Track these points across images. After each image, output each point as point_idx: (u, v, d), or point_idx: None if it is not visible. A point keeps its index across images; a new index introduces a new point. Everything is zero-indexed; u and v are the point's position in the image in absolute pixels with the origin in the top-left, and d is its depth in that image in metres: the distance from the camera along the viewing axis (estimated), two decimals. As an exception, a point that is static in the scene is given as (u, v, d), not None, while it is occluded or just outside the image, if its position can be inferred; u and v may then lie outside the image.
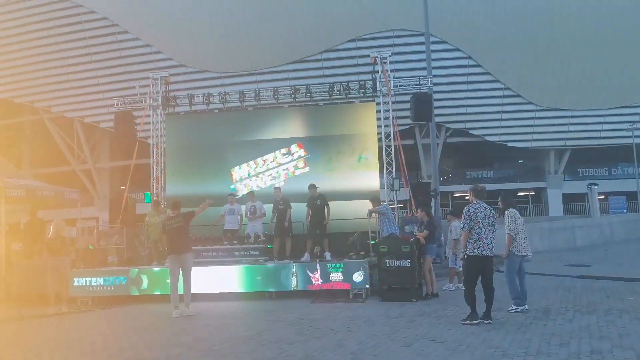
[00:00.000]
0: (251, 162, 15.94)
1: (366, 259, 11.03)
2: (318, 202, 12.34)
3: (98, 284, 11.13)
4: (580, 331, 6.69)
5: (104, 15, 25.94)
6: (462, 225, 7.65)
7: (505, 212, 8.38)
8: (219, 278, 10.95)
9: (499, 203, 8.73)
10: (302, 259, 11.74)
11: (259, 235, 12.42)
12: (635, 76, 25.41)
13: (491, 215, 7.65)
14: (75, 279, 11.12)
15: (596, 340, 6.18)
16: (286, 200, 12.73)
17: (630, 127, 26.07)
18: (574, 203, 29.67)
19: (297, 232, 12.90)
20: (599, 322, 7.21)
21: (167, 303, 9.92)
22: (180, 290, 9.50)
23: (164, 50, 25.79)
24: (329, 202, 12.48)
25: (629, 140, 26.75)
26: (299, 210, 12.83)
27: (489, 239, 7.51)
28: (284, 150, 15.83)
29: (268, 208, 12.95)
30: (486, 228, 7.50)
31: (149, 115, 16.87)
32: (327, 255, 11.83)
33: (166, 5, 24.71)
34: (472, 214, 7.54)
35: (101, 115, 27.09)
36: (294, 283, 10.76)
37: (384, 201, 13.86)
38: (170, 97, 17.01)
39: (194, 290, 9.74)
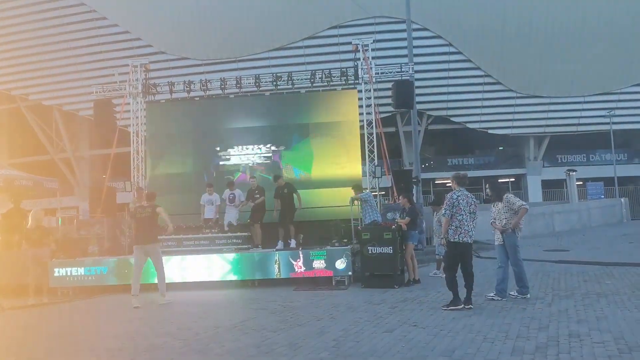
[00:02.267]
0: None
1: (348, 246, 11.09)
2: (285, 191, 12.40)
3: (79, 274, 11.03)
4: (559, 315, 6.82)
5: (81, 1, 25.46)
6: (443, 212, 7.72)
7: (507, 195, 8.40)
8: (201, 266, 10.93)
9: (487, 191, 8.77)
10: (276, 248, 11.77)
11: (232, 224, 12.46)
12: (613, 64, 25.73)
13: (473, 202, 7.72)
14: (56, 269, 11.01)
15: (574, 323, 6.30)
16: (261, 189, 12.77)
17: (608, 114, 26.44)
18: (553, 189, 30.08)
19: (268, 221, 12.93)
20: (577, 305, 7.36)
21: (149, 292, 9.92)
22: (153, 279, 9.54)
23: (143, 37, 25.41)
24: (298, 190, 12.59)
25: (607, 127, 27.15)
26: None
27: (469, 227, 7.59)
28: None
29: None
30: (467, 215, 7.58)
31: (128, 103, 16.65)
32: (292, 243, 11.89)
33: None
34: (454, 201, 7.60)
35: (80, 104, 26.66)
36: (276, 271, 10.78)
37: (366, 188, 13.90)
38: (150, 84, 16.79)
39: (176, 280, 9.74)
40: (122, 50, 25.08)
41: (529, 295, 8.14)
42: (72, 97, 27.05)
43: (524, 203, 8.27)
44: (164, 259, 9.97)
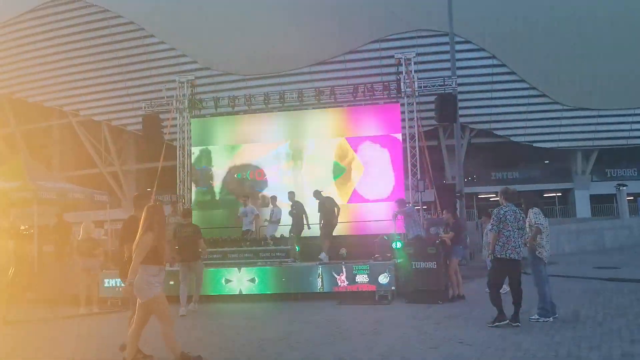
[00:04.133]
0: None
1: (392, 261, 11.03)
2: (326, 205, 12.42)
3: (128, 284, 11.31)
4: (611, 334, 6.62)
5: (130, 19, 26.34)
6: (490, 227, 7.59)
7: (531, 210, 8.14)
8: (245, 279, 11.06)
9: (522, 205, 8.47)
10: (319, 262, 11.77)
11: (273, 237, 12.62)
12: (665, 74, 24.89)
13: (521, 218, 7.59)
14: (106, 280, 11.34)
15: (627, 344, 6.12)
16: (299, 205, 12.84)
17: (660, 126, 25.57)
18: (602, 204, 29.15)
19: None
20: (630, 325, 7.12)
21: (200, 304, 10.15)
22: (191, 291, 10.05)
23: (188, 54, 26.08)
24: (337, 204, 12.59)
25: (659, 140, 26.25)
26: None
27: (517, 242, 7.45)
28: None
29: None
30: (515, 231, 7.44)
31: (175, 118, 17.11)
32: (322, 255, 11.80)
33: (189, 9, 24.97)
34: (501, 216, 7.49)
35: (128, 119, 27.53)
36: (319, 284, 10.81)
37: (409, 203, 13.84)
38: (196, 100, 17.23)
39: (219, 292, 10.00)
40: (168, 66, 25.78)
41: (551, 319, 7.58)
42: (121, 113, 27.93)
43: (539, 221, 7.82)
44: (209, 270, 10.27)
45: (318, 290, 10.83)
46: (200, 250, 10.13)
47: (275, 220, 13.16)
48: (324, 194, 12.74)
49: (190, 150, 16.80)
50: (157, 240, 5.47)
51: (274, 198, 13.92)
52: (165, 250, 5.67)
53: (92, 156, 31.29)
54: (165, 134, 17.42)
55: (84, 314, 10.20)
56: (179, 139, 16.95)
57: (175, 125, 17.13)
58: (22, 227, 15.74)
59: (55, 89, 28.78)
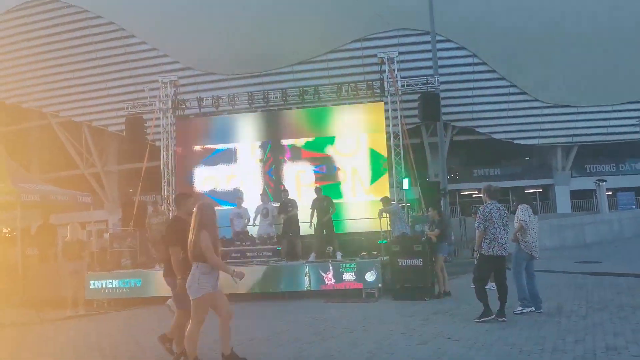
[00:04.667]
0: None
1: (378, 258, 11.13)
2: (324, 203, 12.48)
3: (114, 286, 11.28)
4: (594, 328, 6.77)
5: (110, 20, 26.08)
6: (477, 225, 7.70)
7: (519, 206, 8.35)
8: (231, 279, 11.04)
9: (514, 202, 8.71)
10: (309, 260, 11.84)
11: (271, 236, 12.58)
12: (642, 71, 25.36)
13: (505, 215, 7.72)
14: (92, 282, 11.27)
15: (610, 336, 6.26)
16: (294, 202, 12.91)
17: (637, 122, 25.98)
18: (582, 200, 29.61)
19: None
20: (612, 318, 7.29)
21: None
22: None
23: (170, 54, 25.91)
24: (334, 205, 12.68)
25: (636, 136, 26.65)
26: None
27: (503, 239, 7.58)
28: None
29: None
30: (501, 228, 7.57)
31: (158, 118, 17.02)
32: (339, 255, 11.93)
33: (170, 9, 24.78)
34: (487, 214, 7.60)
35: (109, 119, 27.24)
36: (306, 283, 10.86)
37: (394, 201, 13.95)
38: (179, 100, 17.16)
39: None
40: (150, 66, 25.58)
41: (532, 309, 7.96)
42: (102, 114, 27.63)
43: (523, 218, 8.09)
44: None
45: (305, 289, 10.88)
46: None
47: (270, 219, 13.14)
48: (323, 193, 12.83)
49: (175, 151, 16.72)
50: (211, 238, 5.53)
51: (264, 196, 13.89)
52: (218, 247, 5.72)
53: (72, 157, 30.93)
54: (149, 134, 17.31)
55: (71, 316, 10.13)
56: (163, 139, 16.86)
57: (159, 126, 17.03)
58: (4, 231, 15.54)
59: (34, 90, 28.37)
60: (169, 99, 16.86)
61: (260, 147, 16.58)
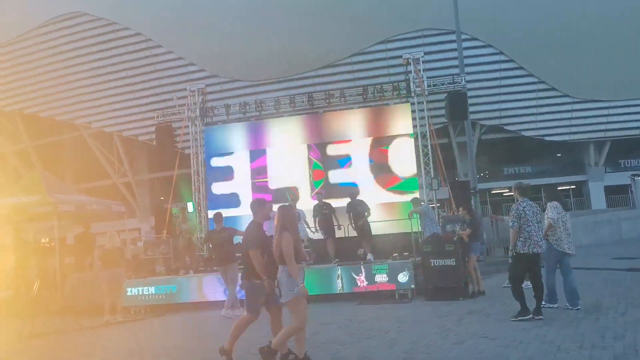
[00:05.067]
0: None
1: (410, 259, 11.09)
2: (359, 208, 12.50)
3: (150, 293, 11.49)
4: (635, 324, 6.65)
5: (138, 31, 26.61)
6: (511, 224, 7.60)
7: (548, 204, 8.30)
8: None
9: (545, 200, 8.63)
10: (367, 260, 11.80)
11: (303, 240, 12.65)
12: (676, 62, 24.72)
13: (538, 212, 7.63)
14: (128, 289, 11.50)
15: (652, 332, 6.14)
16: (329, 205, 12.96)
17: (672, 114, 25.38)
18: (617, 195, 28.94)
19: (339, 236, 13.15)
20: (653, 314, 7.14)
21: (217, 309, 10.24)
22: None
23: (196, 62, 26.29)
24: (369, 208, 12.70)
25: (672, 128, 26.07)
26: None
27: (538, 237, 7.49)
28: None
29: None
30: (535, 225, 7.48)
31: (187, 126, 17.28)
32: (370, 256, 11.93)
33: (195, 17, 25.17)
34: (520, 212, 7.51)
35: (139, 129, 27.73)
36: (339, 285, 10.89)
37: (424, 201, 13.89)
38: (207, 107, 17.40)
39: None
40: (177, 75, 25.97)
41: (556, 305, 8.09)
42: (132, 123, 28.15)
43: (552, 216, 8.04)
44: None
45: (338, 292, 10.91)
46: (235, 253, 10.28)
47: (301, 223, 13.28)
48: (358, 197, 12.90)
49: (204, 159, 16.95)
50: (294, 240, 5.61)
51: (293, 200, 14.02)
52: (300, 249, 5.82)
53: (104, 167, 31.57)
54: (178, 142, 17.58)
55: (109, 322, 10.33)
56: (192, 147, 17.11)
57: (188, 134, 17.29)
58: (43, 241, 15.97)
59: (66, 102, 29.07)
60: (197, 106, 17.11)
61: (287, 151, 16.65)
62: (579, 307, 7.86)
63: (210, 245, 11.27)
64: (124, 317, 10.79)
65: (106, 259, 10.54)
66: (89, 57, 27.68)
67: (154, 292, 11.48)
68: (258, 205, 6.40)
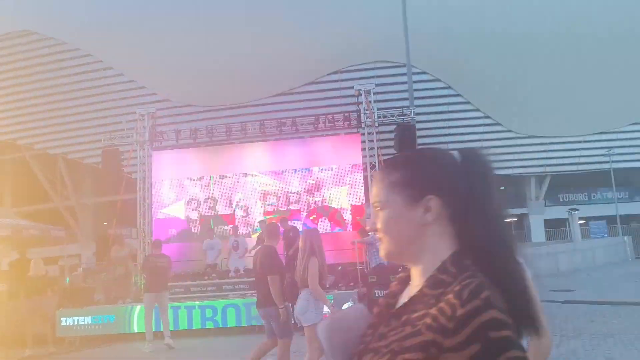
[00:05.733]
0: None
1: (355, 290, 11.11)
2: (290, 234, 12.41)
3: (86, 323, 11.04)
4: (568, 355, 6.85)
5: (87, 52, 26.17)
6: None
7: None
8: (207, 313, 10.94)
9: None
10: None
11: (239, 270, 12.55)
12: (612, 103, 26.13)
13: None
14: (63, 319, 11.02)
15: (584, 364, 6.34)
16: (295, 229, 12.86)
17: (607, 152, 26.72)
18: (556, 228, 30.04)
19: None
20: (585, 346, 7.38)
21: (156, 340, 9.93)
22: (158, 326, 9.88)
23: (147, 85, 25.98)
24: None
25: (607, 166, 27.39)
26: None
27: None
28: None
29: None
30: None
31: (135, 150, 16.96)
32: None
33: (147, 42, 24.99)
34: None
35: (84, 152, 27.04)
36: (284, 316, 10.76)
37: (371, 232, 14.00)
38: (156, 132, 17.16)
39: (183, 327, 9.87)
40: (127, 98, 25.56)
41: None
42: (77, 146, 27.42)
43: None
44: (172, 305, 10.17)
45: (282, 322, 10.77)
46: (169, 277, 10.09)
47: (241, 251, 13.11)
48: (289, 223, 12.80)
49: (151, 183, 16.64)
50: (320, 265, 5.59)
51: (235, 228, 13.91)
52: (325, 273, 5.78)
53: (46, 190, 30.50)
54: (125, 166, 17.22)
55: (33, 355, 9.75)
56: (140, 171, 16.77)
57: (136, 158, 16.96)
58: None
59: (8, 122, 28.12)
60: (146, 130, 16.83)
61: (238, 178, 16.56)
62: None
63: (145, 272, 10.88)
64: (58, 348, 10.31)
65: (31, 287, 10.04)
66: (36, 76, 26.98)
67: (90, 322, 11.02)
68: (275, 229, 6.42)
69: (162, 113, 22.42)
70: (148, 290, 9.90)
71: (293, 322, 6.05)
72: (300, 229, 12.65)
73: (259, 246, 12.60)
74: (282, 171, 16.27)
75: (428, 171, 1.17)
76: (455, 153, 1.20)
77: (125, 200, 18.05)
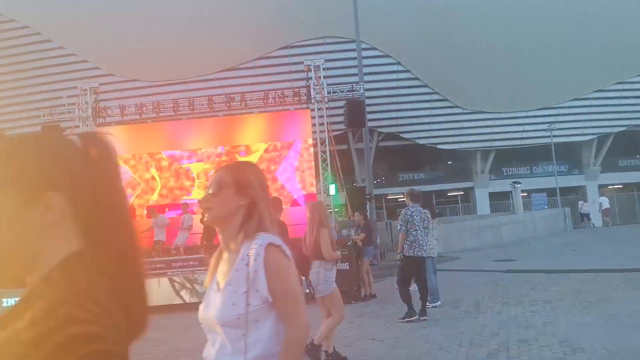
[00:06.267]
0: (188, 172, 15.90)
1: (306, 264, 11.22)
2: None
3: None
4: (509, 322, 7.18)
5: (25, 24, 24.94)
6: (398, 227, 7.97)
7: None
8: (155, 290, 10.83)
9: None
10: None
11: (179, 247, 12.49)
12: (553, 80, 27.00)
13: (426, 218, 8.05)
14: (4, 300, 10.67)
15: (523, 329, 6.66)
16: None
17: (548, 127, 27.70)
18: (500, 201, 31.06)
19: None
20: (525, 312, 7.74)
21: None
22: None
23: (90, 59, 25.04)
24: None
25: (548, 140, 28.41)
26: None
27: (424, 241, 7.89)
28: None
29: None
30: (422, 230, 7.87)
31: (78, 127, 16.41)
32: None
33: (90, 13, 23.99)
34: (409, 216, 7.88)
35: (24, 127, 25.90)
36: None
37: (322, 206, 14.13)
38: (100, 107, 16.63)
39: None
40: (69, 72, 24.60)
41: (439, 303, 8.73)
42: (15, 122, 26.25)
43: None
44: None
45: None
46: None
47: (186, 228, 12.99)
48: None
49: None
50: (330, 235, 5.73)
51: (184, 205, 13.74)
52: (334, 243, 5.91)
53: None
54: (67, 143, 16.64)
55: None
56: (83, 148, 16.25)
57: (78, 134, 16.39)
58: None
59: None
60: (89, 106, 16.30)
61: (185, 155, 16.30)
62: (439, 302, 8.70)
63: None
64: None
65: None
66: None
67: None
68: (279, 203, 6.49)
69: (106, 88, 21.71)
70: None
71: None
72: None
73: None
74: (230, 147, 16.12)
75: (44, 164, 0.95)
76: (75, 138, 1.02)
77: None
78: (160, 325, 9.58)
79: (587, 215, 28.75)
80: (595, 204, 29.19)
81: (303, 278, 5.90)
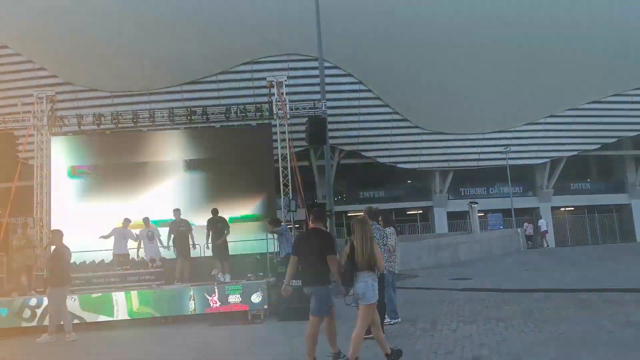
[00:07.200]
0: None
1: (264, 280, 11.15)
2: (219, 225, 12.35)
3: (-24, 317, 10.28)
4: (464, 340, 7.28)
5: (-20, 28, 24.19)
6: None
7: (386, 229, 8.87)
8: (111, 304, 10.53)
9: (380, 222, 9.02)
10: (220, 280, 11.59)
11: (155, 260, 12.24)
12: (509, 104, 27.80)
13: (384, 235, 8.15)
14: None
15: (477, 347, 6.77)
16: (186, 222, 12.65)
17: (504, 150, 28.48)
18: (457, 220, 31.65)
19: (194, 255, 12.84)
20: (479, 330, 7.87)
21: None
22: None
23: (47, 67, 24.44)
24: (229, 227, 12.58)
25: (504, 162, 29.20)
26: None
27: (382, 258, 7.94)
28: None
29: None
30: (380, 248, 7.93)
31: (32, 135, 15.94)
32: (227, 277, 11.81)
33: (48, 20, 23.46)
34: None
35: (-25, 135, 25.04)
36: (191, 307, 10.61)
37: (283, 222, 14.09)
38: (56, 116, 16.22)
39: (85, 319, 9.49)
40: (24, 80, 23.92)
41: (399, 320, 8.84)
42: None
43: (392, 243, 8.74)
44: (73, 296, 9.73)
45: (190, 313, 10.62)
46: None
47: (153, 240, 12.73)
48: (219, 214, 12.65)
49: (50, 170, 15.71)
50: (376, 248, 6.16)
51: (146, 219, 13.43)
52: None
53: None
54: (20, 151, 16.16)
55: None
56: (37, 157, 15.79)
57: (32, 143, 15.95)
58: None
59: None
60: (44, 114, 15.85)
61: (144, 167, 16.03)
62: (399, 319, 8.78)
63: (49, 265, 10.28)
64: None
65: None
66: None
67: (-20, 316, 10.29)
68: (323, 213, 6.84)
69: (64, 97, 21.22)
70: (56, 284, 9.41)
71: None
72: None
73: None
74: (191, 161, 15.96)
75: None
76: None
77: (22, 187, 16.92)
78: (115, 340, 9.34)
79: (531, 237, 29.73)
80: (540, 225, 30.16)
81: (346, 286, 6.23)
